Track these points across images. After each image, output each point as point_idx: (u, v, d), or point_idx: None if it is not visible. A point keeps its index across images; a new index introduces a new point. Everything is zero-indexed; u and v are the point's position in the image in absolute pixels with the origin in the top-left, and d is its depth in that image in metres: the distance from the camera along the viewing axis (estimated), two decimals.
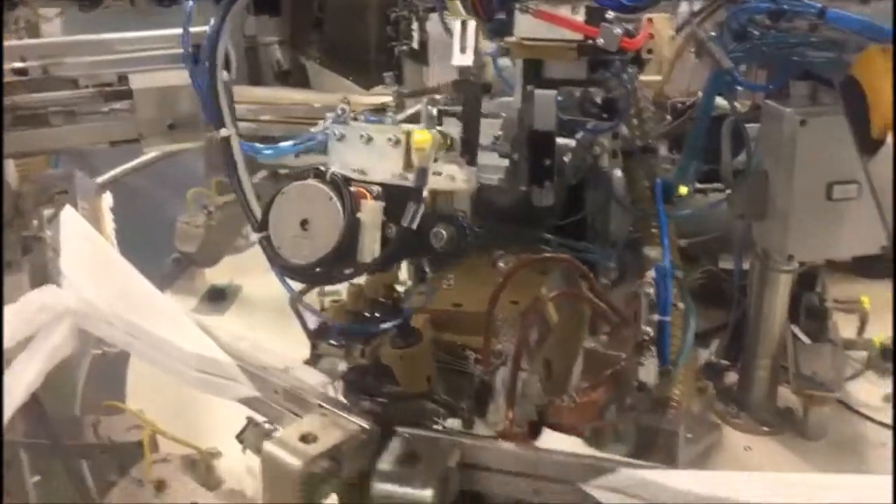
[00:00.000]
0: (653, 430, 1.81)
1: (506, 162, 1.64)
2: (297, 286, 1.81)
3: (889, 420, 2.61)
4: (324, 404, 1.58)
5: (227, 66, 1.87)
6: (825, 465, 2.43)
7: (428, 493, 1.41)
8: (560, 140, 1.76)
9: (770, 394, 2.67)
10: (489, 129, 1.57)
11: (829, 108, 2.10)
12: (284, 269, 1.59)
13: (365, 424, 1.50)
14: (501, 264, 1.94)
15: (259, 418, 1.81)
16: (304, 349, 2.69)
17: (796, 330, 2.72)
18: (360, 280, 1.91)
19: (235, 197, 1.79)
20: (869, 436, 2.57)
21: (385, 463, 1.48)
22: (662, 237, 1.94)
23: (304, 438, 1.47)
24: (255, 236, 1.62)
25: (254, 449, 1.97)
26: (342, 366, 1.80)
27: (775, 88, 2.26)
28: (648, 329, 1.81)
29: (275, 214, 1.59)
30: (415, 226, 1.52)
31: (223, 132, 1.78)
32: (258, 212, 1.68)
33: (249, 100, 3.09)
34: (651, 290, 1.78)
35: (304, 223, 1.54)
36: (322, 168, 1.58)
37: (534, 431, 1.70)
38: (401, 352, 1.74)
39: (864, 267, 3.12)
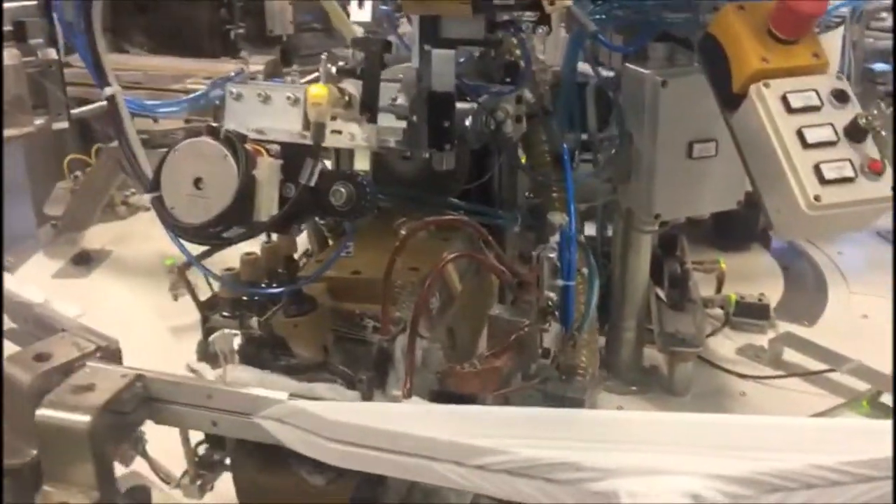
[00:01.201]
0: (559, 398, 1.75)
1: (403, 124, 1.52)
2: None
3: (746, 371, 2.65)
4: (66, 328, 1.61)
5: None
6: None
7: (85, 419, 1.37)
8: (462, 104, 1.66)
9: (637, 354, 2.60)
10: (389, 93, 1.51)
11: (688, 69, 2.09)
12: (178, 230, 1.44)
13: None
14: (403, 232, 1.87)
15: None
16: (172, 314, 2.59)
17: (659, 291, 2.73)
18: (256, 249, 1.81)
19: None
20: (728, 388, 2.58)
21: (58, 393, 1.43)
22: (569, 201, 1.85)
23: (40, 357, 1.50)
24: (146, 197, 1.47)
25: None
26: (237, 338, 1.68)
27: (634, 51, 2.22)
28: (552, 294, 1.80)
29: (167, 174, 1.45)
30: (312, 183, 1.40)
31: (108, 91, 1.68)
32: (149, 172, 1.57)
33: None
34: (553, 255, 1.68)
35: (197, 182, 1.41)
36: (216, 125, 1.44)
37: (436, 401, 1.66)
38: (294, 320, 1.60)
39: (722, 239, 3.29)
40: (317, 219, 1.92)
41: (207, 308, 1.70)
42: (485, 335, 1.78)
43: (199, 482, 1.75)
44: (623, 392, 2.57)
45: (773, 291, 3.11)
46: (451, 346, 1.86)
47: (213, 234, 1.40)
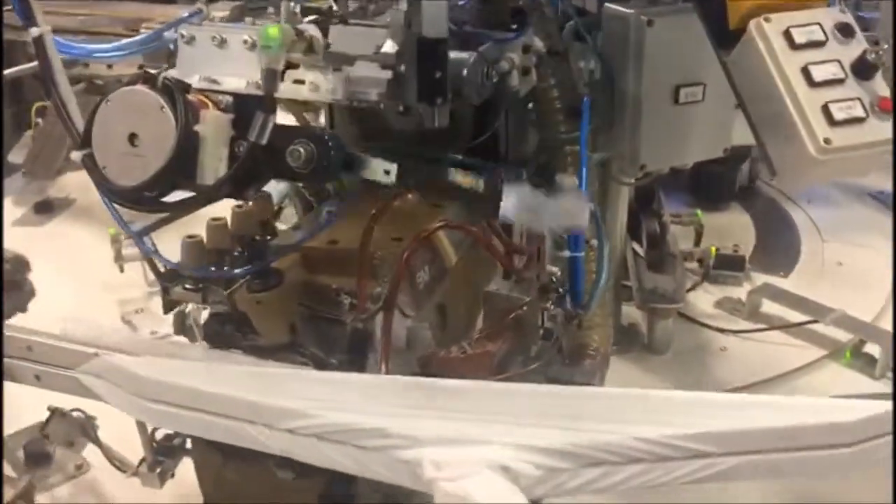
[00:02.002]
0: (564, 383, 1.55)
1: (388, 74, 1.27)
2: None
3: (725, 325, 2.53)
4: None
5: None
6: (673, 376, 2.30)
7: None
8: (458, 53, 1.45)
9: (615, 312, 2.60)
10: (373, 39, 1.29)
11: (675, 6, 1.89)
12: (112, 193, 1.20)
13: None
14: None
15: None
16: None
17: (636, 247, 2.51)
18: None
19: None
20: (709, 343, 2.43)
21: None
22: (582, 161, 1.62)
23: None
24: (75, 155, 1.21)
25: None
26: (204, 314, 1.44)
27: None
28: (555, 269, 1.59)
29: (99, 128, 1.20)
30: (263, 140, 1.15)
31: (34, 31, 1.43)
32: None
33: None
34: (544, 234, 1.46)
35: (132, 138, 1.18)
36: (153, 72, 1.22)
37: None
38: (257, 296, 1.35)
39: (699, 198, 3.11)
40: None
41: (168, 279, 1.44)
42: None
43: (158, 470, 1.60)
44: None
45: (744, 244, 2.97)
46: (441, 326, 1.65)
47: (151, 199, 1.18)
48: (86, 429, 1.70)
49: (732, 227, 3.07)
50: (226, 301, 1.37)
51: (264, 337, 1.37)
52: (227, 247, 1.39)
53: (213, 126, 1.17)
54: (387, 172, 1.28)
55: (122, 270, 2.70)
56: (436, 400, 1.16)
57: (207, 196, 1.17)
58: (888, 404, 1.09)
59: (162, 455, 1.56)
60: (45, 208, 3.37)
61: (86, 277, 2.72)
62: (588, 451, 1.07)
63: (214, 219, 1.44)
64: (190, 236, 1.41)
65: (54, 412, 1.63)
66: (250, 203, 1.38)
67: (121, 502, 1.90)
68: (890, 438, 1.08)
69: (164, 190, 1.16)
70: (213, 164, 1.18)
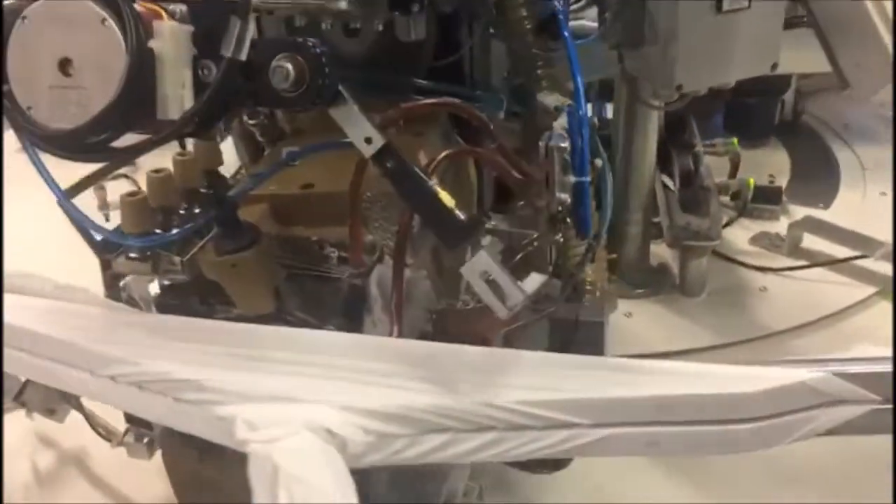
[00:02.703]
0: (571, 323, 1.34)
1: None
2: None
3: (764, 263, 2.30)
4: None
5: None
6: (709, 320, 2.08)
7: None
8: None
9: (643, 252, 2.20)
10: None
11: None
12: (42, 140, 0.92)
13: None
14: None
15: None
16: None
17: (666, 180, 2.30)
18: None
19: None
20: (747, 283, 2.21)
21: None
22: (574, 71, 1.32)
23: None
24: None
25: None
26: (153, 286, 1.21)
27: None
28: (565, 196, 1.37)
29: (16, 55, 0.91)
30: (242, 55, 0.90)
31: None
32: None
33: None
34: (566, 144, 1.34)
35: (65, 65, 0.89)
36: None
37: None
38: (231, 258, 1.09)
39: (733, 132, 2.71)
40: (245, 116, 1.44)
41: (106, 249, 1.20)
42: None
43: (145, 440, 1.47)
44: (630, 296, 2.19)
45: (779, 176, 2.72)
46: (438, 273, 1.43)
47: (97, 145, 0.92)
48: (66, 394, 1.55)
49: (767, 163, 2.79)
50: (184, 269, 1.13)
51: (242, 306, 1.13)
52: (174, 203, 1.14)
53: (172, 40, 0.90)
54: None
55: (107, 220, 2.44)
56: (271, 351, 1.03)
57: (173, 134, 0.90)
58: (803, 374, 0.95)
59: (150, 424, 1.40)
60: None
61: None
62: (427, 417, 0.94)
63: (155, 171, 1.19)
64: (130, 194, 1.16)
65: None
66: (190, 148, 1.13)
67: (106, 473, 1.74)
68: (804, 415, 0.96)
69: (116, 131, 0.89)
70: (176, 91, 0.91)
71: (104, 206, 2.45)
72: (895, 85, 2.49)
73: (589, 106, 1.83)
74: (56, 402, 1.59)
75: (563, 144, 1.24)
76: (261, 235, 1.12)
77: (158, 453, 1.38)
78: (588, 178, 1.32)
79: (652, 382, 0.97)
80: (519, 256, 1.28)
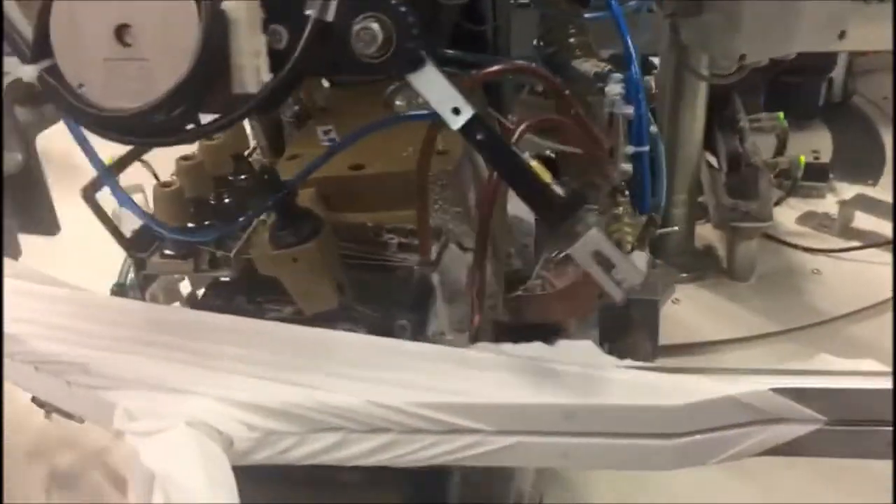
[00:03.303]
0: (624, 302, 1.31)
1: None
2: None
3: (814, 244, 2.20)
4: None
5: None
6: (761, 305, 1.98)
7: None
8: None
9: (688, 233, 2.09)
10: None
11: None
12: (95, 123, 0.79)
13: None
14: (400, 101, 1.30)
15: None
16: None
17: (709, 157, 2.21)
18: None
19: None
20: (798, 266, 2.11)
21: None
22: (623, 34, 1.16)
23: None
24: (27, 70, 0.79)
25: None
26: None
27: None
28: (628, 167, 1.28)
29: (62, 25, 0.79)
30: (329, 16, 0.78)
31: None
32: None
33: None
34: (630, 110, 1.22)
35: (122, 33, 0.76)
36: None
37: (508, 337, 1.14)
38: (293, 251, 0.98)
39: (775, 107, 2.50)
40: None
41: (137, 248, 1.10)
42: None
43: None
44: (675, 280, 2.09)
45: (823, 153, 2.59)
46: (495, 258, 1.33)
47: (165, 127, 0.81)
48: None
49: (809, 144, 2.63)
50: (230, 266, 1.03)
51: (304, 304, 1.02)
52: (206, 193, 1.04)
53: (245, 5, 0.79)
54: None
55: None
56: (170, 336, 0.97)
57: (252, 110, 0.79)
58: (733, 388, 0.87)
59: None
60: None
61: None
62: (316, 415, 0.90)
63: (184, 157, 1.09)
64: (163, 184, 1.05)
65: None
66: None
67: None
68: (733, 433, 0.89)
69: (190, 109, 0.77)
70: (252, 61, 0.79)
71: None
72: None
73: None
74: None
75: (628, 111, 1.15)
76: (323, 224, 1.01)
77: None
78: (648, 148, 1.24)
79: (561, 388, 0.89)
80: None
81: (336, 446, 0.90)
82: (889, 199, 2.25)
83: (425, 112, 0.89)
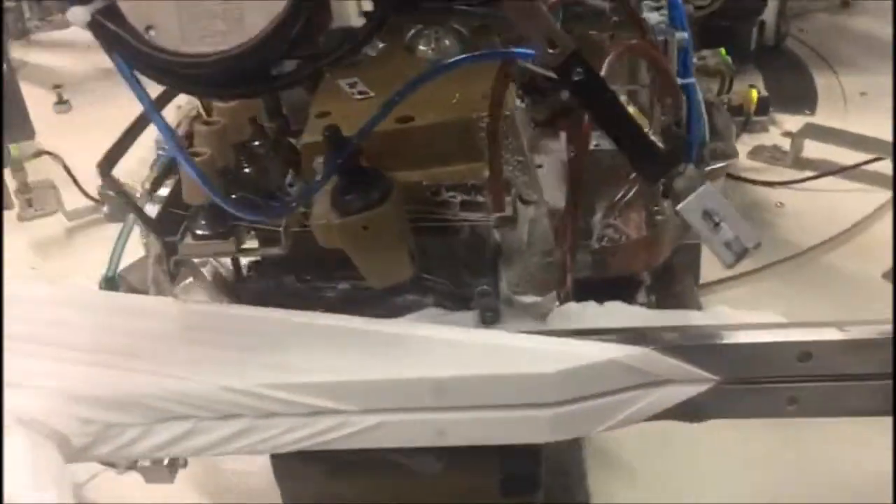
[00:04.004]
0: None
1: None
2: None
3: (771, 177, 2.21)
4: None
5: None
6: None
7: None
8: None
9: None
10: None
11: None
12: (167, 73, 0.67)
13: None
14: (424, 47, 1.16)
15: None
16: None
17: None
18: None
19: None
20: (762, 201, 2.12)
21: None
22: None
23: None
24: (77, 14, 0.64)
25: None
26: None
27: None
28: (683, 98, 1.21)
29: None
30: None
31: None
32: None
33: None
34: (685, 35, 1.13)
35: None
36: None
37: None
38: (365, 217, 0.86)
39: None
40: None
41: (167, 230, 0.94)
42: None
43: (165, 461, 1.16)
44: None
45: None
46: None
47: (253, 74, 0.65)
48: None
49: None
50: (279, 242, 0.89)
51: (375, 277, 0.90)
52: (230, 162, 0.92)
53: None
54: None
55: (30, 205, 2.12)
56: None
57: (348, 51, 0.65)
58: (616, 350, 0.83)
59: None
60: None
61: None
62: (161, 403, 0.84)
63: (206, 122, 0.95)
64: (194, 153, 0.91)
65: None
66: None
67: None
68: (617, 398, 0.84)
69: (286, 53, 0.64)
70: None
71: (24, 189, 2.10)
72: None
73: None
74: None
75: (682, 36, 1.09)
76: (393, 185, 0.89)
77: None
78: (694, 80, 1.18)
79: (427, 360, 0.84)
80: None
81: (186, 436, 0.84)
82: (838, 126, 2.28)
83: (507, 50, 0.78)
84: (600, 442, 1.44)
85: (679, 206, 0.82)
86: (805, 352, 0.83)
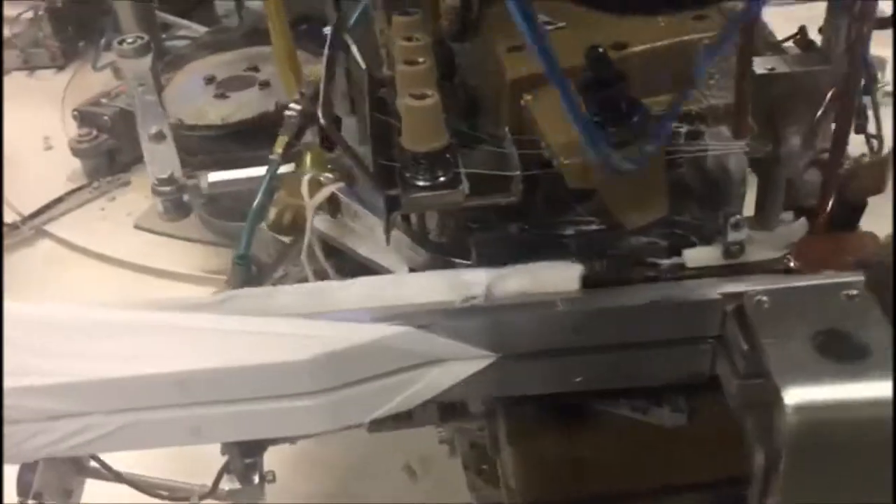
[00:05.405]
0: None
1: None
2: None
3: None
4: None
5: None
6: None
7: None
8: None
9: None
10: None
11: None
12: None
13: None
14: None
15: None
16: None
17: None
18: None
19: None
20: None
21: None
22: None
23: None
24: None
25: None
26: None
27: None
28: None
29: None
30: None
31: None
32: None
33: None
34: None
35: None
36: None
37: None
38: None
39: None
40: None
41: (388, 179, 0.85)
42: None
43: (255, 475, 1.04)
44: None
45: None
46: None
47: None
48: (82, 465, 1.11)
49: None
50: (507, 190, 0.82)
51: (632, 216, 0.84)
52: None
53: None
54: None
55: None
56: None
57: None
58: (378, 329, 0.78)
59: (249, 453, 1.01)
60: None
61: None
62: None
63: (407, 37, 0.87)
64: (417, 95, 0.82)
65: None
66: None
67: None
68: (382, 383, 0.80)
69: None
70: None
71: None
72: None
73: None
74: (70, 479, 1.16)
75: None
76: (649, 114, 0.82)
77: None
78: None
79: (172, 354, 0.77)
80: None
81: None
82: None
83: None
84: None
85: None
86: None
